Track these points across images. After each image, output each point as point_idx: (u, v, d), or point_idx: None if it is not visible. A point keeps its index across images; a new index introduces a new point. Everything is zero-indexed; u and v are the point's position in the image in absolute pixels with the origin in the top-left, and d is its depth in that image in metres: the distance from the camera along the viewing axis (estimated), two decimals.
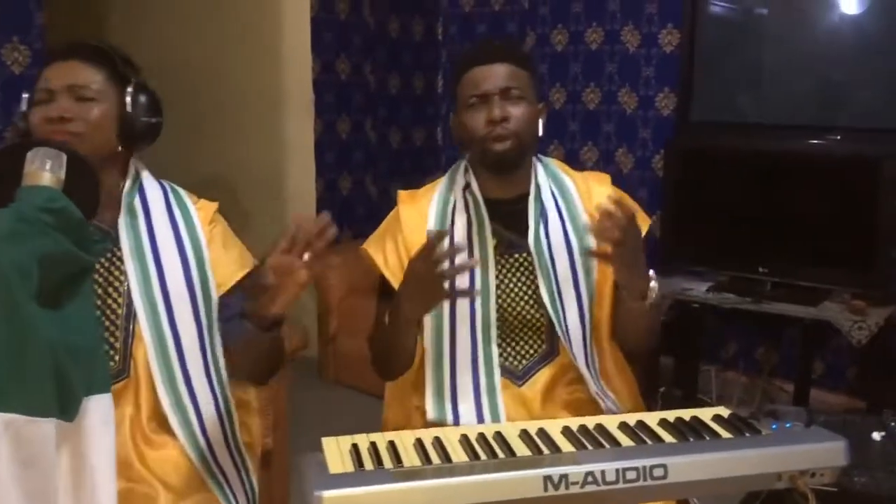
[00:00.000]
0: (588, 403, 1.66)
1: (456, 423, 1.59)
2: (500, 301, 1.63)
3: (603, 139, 3.98)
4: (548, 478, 1.14)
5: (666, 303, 3.27)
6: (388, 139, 4.25)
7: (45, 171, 1.21)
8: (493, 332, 1.62)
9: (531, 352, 1.66)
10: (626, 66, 3.84)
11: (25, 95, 1.43)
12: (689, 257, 3.26)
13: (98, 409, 1.27)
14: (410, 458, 1.21)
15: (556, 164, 1.74)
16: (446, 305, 1.61)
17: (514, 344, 1.66)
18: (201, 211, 1.58)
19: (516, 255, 1.65)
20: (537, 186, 1.66)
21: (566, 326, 1.63)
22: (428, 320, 1.61)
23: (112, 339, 1.44)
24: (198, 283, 1.49)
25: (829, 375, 3.43)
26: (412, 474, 1.15)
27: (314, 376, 3.92)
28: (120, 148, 1.47)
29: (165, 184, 1.58)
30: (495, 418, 1.59)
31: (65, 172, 1.23)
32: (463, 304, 1.61)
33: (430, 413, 1.61)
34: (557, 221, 1.65)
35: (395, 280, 1.62)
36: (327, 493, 1.09)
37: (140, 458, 1.43)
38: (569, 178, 1.72)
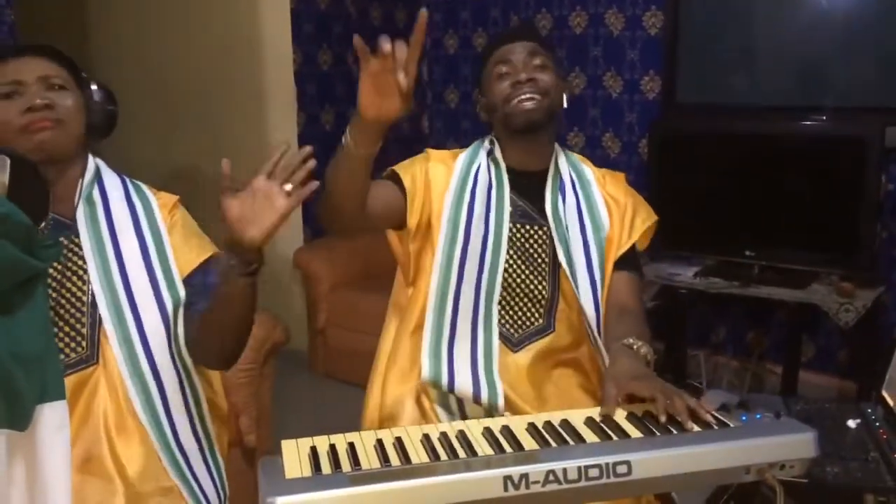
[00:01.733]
0: (583, 389, 1.70)
1: (451, 382, 1.61)
2: (506, 268, 1.67)
3: (589, 124, 3.94)
4: (508, 477, 1.12)
5: (653, 288, 3.25)
6: None
7: None
8: (496, 295, 1.65)
9: (528, 324, 1.70)
10: (610, 49, 3.80)
11: None
12: (675, 241, 3.23)
13: (52, 417, 1.25)
14: (369, 460, 1.19)
15: (576, 156, 1.80)
16: (455, 267, 1.64)
17: (512, 313, 1.70)
18: (161, 200, 1.58)
19: (528, 227, 1.69)
20: (556, 164, 1.72)
21: (580, 300, 1.65)
22: (434, 279, 1.65)
23: (78, 326, 1.44)
24: (158, 268, 1.49)
25: (819, 358, 3.41)
26: (369, 477, 1.13)
27: (304, 370, 3.90)
28: (83, 139, 1.48)
29: (125, 177, 1.59)
30: (489, 378, 1.61)
31: (9, 177, 1.20)
32: (471, 267, 1.64)
33: (426, 371, 1.63)
34: (573, 198, 1.70)
35: (412, 200, 1.65)
36: (281, 500, 1.07)
37: (110, 450, 1.42)
38: (588, 167, 1.78)
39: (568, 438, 1.26)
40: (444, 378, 1.62)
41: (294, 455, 1.20)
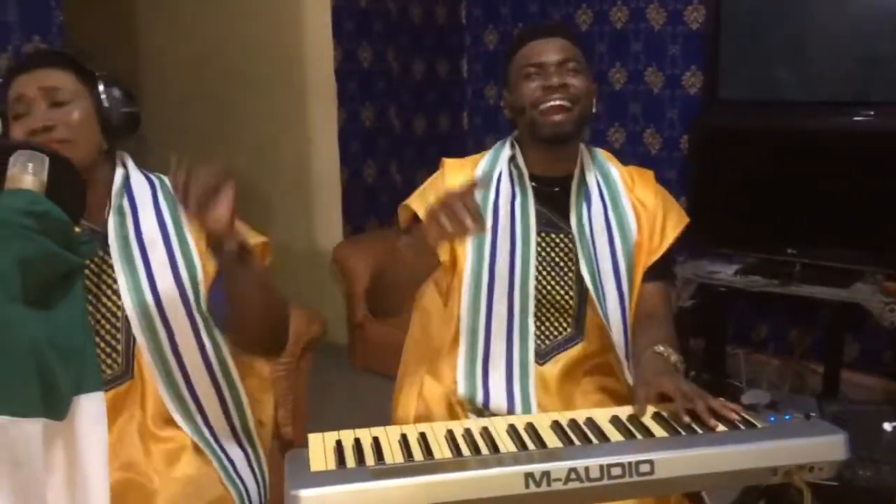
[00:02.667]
0: (609, 392, 1.66)
1: (486, 399, 1.58)
2: (535, 277, 1.63)
3: (630, 120, 3.90)
4: (529, 475, 1.13)
5: (692, 286, 3.21)
6: (413, 126, 4.23)
7: (26, 175, 1.22)
8: (531, 306, 1.61)
9: (556, 333, 1.66)
10: (652, 44, 3.76)
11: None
12: (715, 239, 3.19)
13: (89, 407, 1.28)
14: (393, 455, 1.21)
15: (602, 154, 1.72)
16: (484, 285, 1.61)
17: (539, 323, 1.65)
18: None
19: (553, 235, 1.64)
20: (582, 169, 1.65)
21: (606, 310, 1.61)
22: (465, 298, 1.61)
23: (114, 342, 1.45)
24: (187, 279, 1.48)
25: (864, 358, 3.33)
26: (392, 472, 1.15)
27: (343, 363, 3.95)
28: (105, 145, 1.46)
29: (153, 177, 1.57)
30: (524, 394, 1.58)
31: (47, 175, 1.24)
32: (501, 279, 1.60)
33: (461, 390, 1.61)
34: (600, 205, 1.64)
35: None
36: (304, 493, 1.09)
37: (146, 455, 1.45)
38: (614, 167, 1.70)
39: (591, 437, 1.26)
40: (479, 396, 1.59)
41: (320, 448, 1.22)
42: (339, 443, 1.24)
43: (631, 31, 3.81)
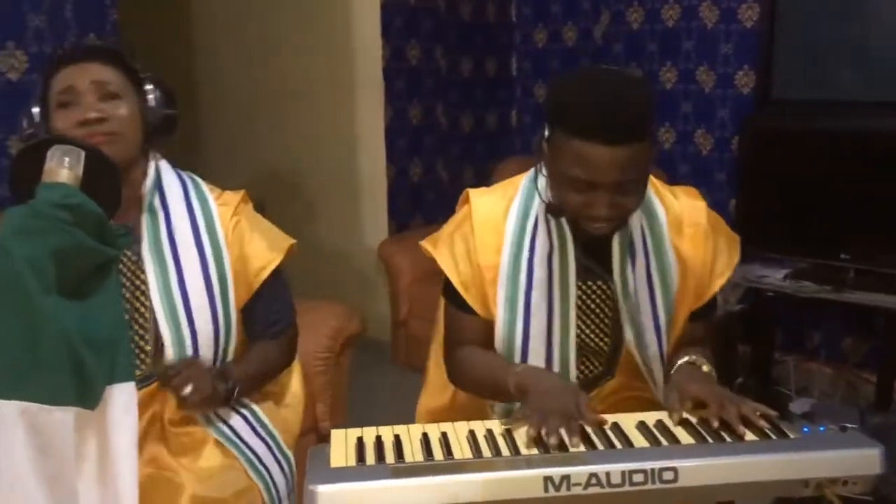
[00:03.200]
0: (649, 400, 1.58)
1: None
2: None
3: (681, 119, 3.83)
4: (548, 478, 1.12)
5: (739, 290, 3.14)
6: (460, 123, 4.22)
7: (62, 168, 1.25)
8: (572, 359, 1.50)
9: (587, 373, 1.58)
10: (704, 42, 3.68)
11: (35, 109, 1.43)
12: (765, 243, 3.10)
13: (120, 398, 1.31)
14: (413, 454, 1.21)
15: (650, 189, 1.50)
16: (519, 339, 1.49)
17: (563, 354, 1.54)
18: (223, 206, 1.56)
19: (590, 283, 1.51)
20: (626, 224, 1.47)
21: (648, 360, 1.53)
22: (499, 348, 1.51)
23: (142, 343, 1.48)
24: (215, 278, 1.50)
25: None
26: (411, 471, 1.15)
27: (386, 360, 3.96)
28: (143, 144, 1.48)
29: (186, 177, 1.57)
30: None
31: (83, 169, 1.27)
32: (538, 336, 1.48)
33: (498, 409, 1.54)
34: (643, 257, 1.50)
35: (464, 291, 1.50)
36: (322, 488, 1.10)
37: (169, 451, 1.49)
38: (661, 203, 1.53)
39: (616, 442, 1.23)
40: None
41: (341, 445, 1.23)
42: (360, 439, 1.24)
43: (683, 30, 3.74)
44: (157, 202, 1.50)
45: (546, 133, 1.39)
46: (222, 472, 1.46)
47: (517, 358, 1.49)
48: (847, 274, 2.97)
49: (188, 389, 1.39)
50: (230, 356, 1.54)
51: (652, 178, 1.48)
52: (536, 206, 1.50)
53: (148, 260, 1.46)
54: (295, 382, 1.77)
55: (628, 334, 1.51)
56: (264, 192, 4.33)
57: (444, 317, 1.61)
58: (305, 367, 2.50)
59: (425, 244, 1.57)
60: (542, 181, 1.46)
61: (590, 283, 1.52)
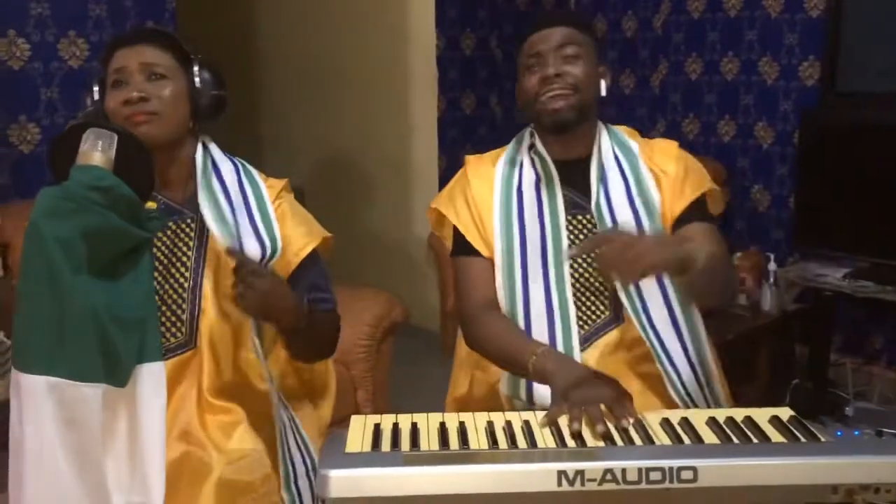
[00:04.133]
0: (652, 378, 1.56)
1: (529, 392, 1.53)
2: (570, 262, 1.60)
3: (741, 112, 3.72)
4: (562, 472, 1.10)
5: (796, 289, 3.04)
6: (514, 114, 4.19)
7: (96, 152, 1.28)
8: (569, 292, 1.58)
9: (594, 317, 1.61)
10: (767, 32, 3.56)
11: (95, 88, 1.50)
12: (825, 241, 3.00)
13: (149, 377, 1.35)
14: (429, 442, 1.20)
15: (623, 131, 1.70)
16: (518, 275, 1.58)
17: (578, 307, 1.60)
18: (270, 189, 1.61)
19: (580, 217, 1.62)
20: (599, 149, 1.63)
21: (641, 300, 1.55)
22: (500, 282, 1.59)
23: (179, 312, 1.50)
24: (268, 244, 1.52)
25: None
26: (423, 459, 1.14)
27: (436, 350, 3.97)
28: (191, 124, 1.52)
29: (236, 160, 1.62)
30: None
31: (115, 152, 1.30)
32: (534, 265, 1.58)
33: (504, 388, 1.58)
34: (620, 182, 1.62)
35: (468, 233, 1.63)
36: (333, 472, 1.10)
37: (202, 426, 1.50)
38: (634, 142, 1.68)
39: (636, 438, 1.21)
40: (522, 392, 1.55)
41: (359, 430, 1.23)
42: (377, 426, 1.24)
43: (745, 19, 3.63)
44: (214, 182, 1.54)
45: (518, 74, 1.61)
46: (249, 455, 1.48)
47: (519, 288, 1.57)
48: None
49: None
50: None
51: (627, 128, 1.71)
52: (522, 152, 1.67)
53: (214, 227, 1.47)
54: (331, 379, 1.78)
55: None
56: (316, 177, 4.39)
57: (456, 281, 1.69)
58: (347, 354, 2.53)
59: (431, 204, 1.73)
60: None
61: (579, 216, 1.62)
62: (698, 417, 1.27)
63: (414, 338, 3.50)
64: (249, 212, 1.55)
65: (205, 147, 1.57)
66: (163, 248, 1.51)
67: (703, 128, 3.81)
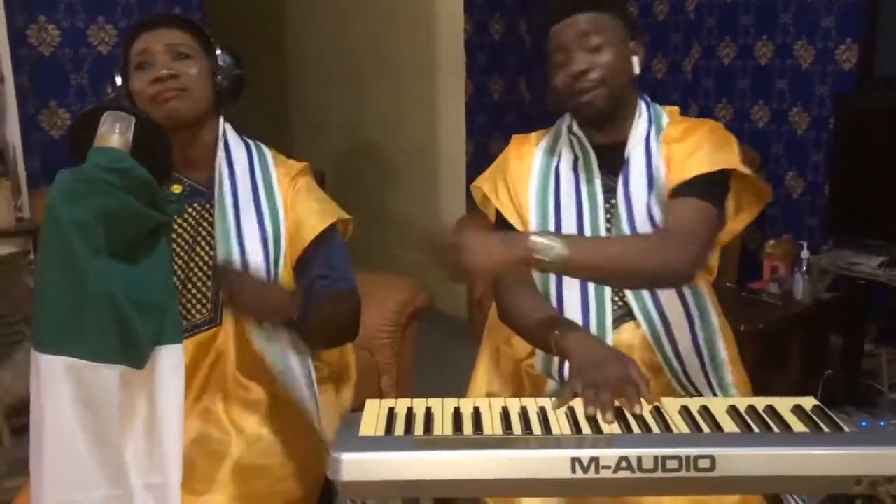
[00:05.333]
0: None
1: (561, 369, 1.52)
2: None
3: (776, 97, 3.64)
4: (576, 459, 1.08)
5: (829, 277, 2.98)
6: (544, 99, 4.15)
7: (113, 134, 1.29)
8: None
9: (616, 304, 1.58)
10: (803, 15, 3.48)
11: (118, 76, 1.52)
12: (860, 228, 2.93)
13: (168, 359, 1.35)
14: (443, 428, 1.19)
15: (666, 111, 1.64)
16: None
17: (599, 294, 1.57)
18: (284, 172, 1.61)
19: (613, 200, 1.59)
20: (634, 134, 1.59)
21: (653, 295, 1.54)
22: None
23: (204, 289, 1.52)
24: (271, 240, 1.53)
25: None
26: (436, 443, 1.13)
27: (463, 336, 3.97)
28: (213, 104, 1.54)
29: (251, 143, 1.62)
30: None
31: (132, 135, 1.30)
32: None
33: (539, 365, 1.57)
34: (641, 167, 1.57)
35: (505, 211, 1.63)
36: (346, 456, 1.10)
37: (225, 405, 1.51)
38: (668, 120, 1.61)
39: (654, 426, 1.19)
40: (555, 371, 1.54)
41: (374, 414, 1.23)
42: (392, 410, 1.23)
43: (780, 2, 3.54)
44: (224, 164, 1.55)
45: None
46: (265, 440, 1.49)
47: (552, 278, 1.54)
48: None
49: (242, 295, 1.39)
50: None
51: (669, 109, 1.65)
52: (562, 132, 1.64)
53: (218, 214, 1.50)
54: (352, 362, 1.78)
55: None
56: (343, 162, 4.39)
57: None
58: (371, 340, 2.53)
59: (476, 182, 1.74)
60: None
61: (613, 200, 1.58)
62: (718, 405, 1.24)
63: (439, 324, 3.50)
64: (256, 196, 1.56)
65: (224, 131, 1.57)
66: (186, 227, 1.53)
67: (737, 113, 3.74)
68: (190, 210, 1.53)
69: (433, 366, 3.09)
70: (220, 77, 1.54)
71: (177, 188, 1.53)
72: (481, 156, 3.98)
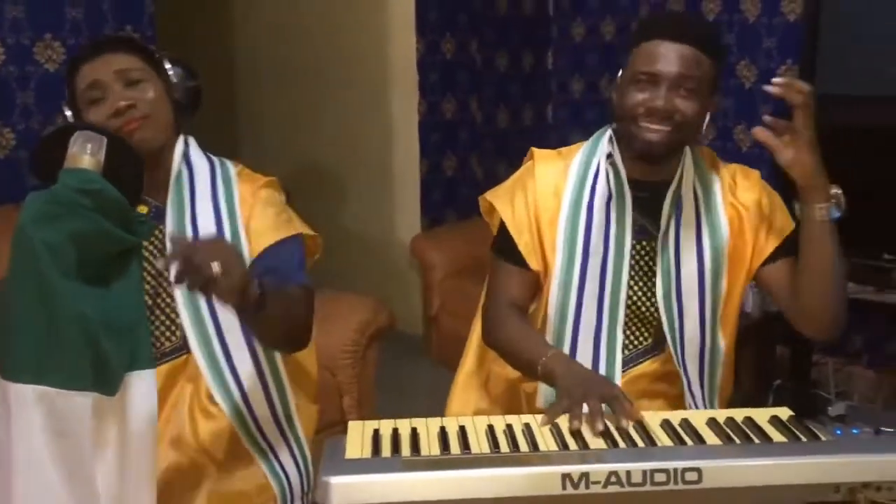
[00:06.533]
0: (673, 400, 1.57)
1: None
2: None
3: (720, 115, 3.75)
4: (567, 475, 1.09)
5: None
6: (495, 118, 4.19)
7: (85, 155, 1.26)
8: (621, 317, 1.53)
9: (635, 343, 1.57)
10: (745, 36, 3.60)
11: (68, 112, 1.44)
12: None
13: (140, 385, 1.32)
14: (430, 447, 1.18)
15: (705, 156, 1.59)
16: (573, 291, 1.52)
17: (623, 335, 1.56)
18: (246, 184, 1.54)
19: (644, 243, 1.54)
20: (680, 177, 1.51)
21: (681, 333, 1.53)
22: (552, 302, 1.53)
23: (173, 315, 1.47)
24: None
25: None
26: (425, 464, 1.13)
27: (418, 355, 3.95)
28: (175, 123, 1.48)
29: (215, 159, 1.56)
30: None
31: (105, 156, 1.27)
32: (592, 283, 1.52)
33: (542, 401, 1.53)
34: (693, 217, 1.53)
35: (517, 236, 1.54)
36: (335, 479, 1.08)
37: (193, 432, 1.47)
38: (716, 172, 1.57)
39: (639, 440, 1.20)
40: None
41: (358, 436, 1.21)
42: (376, 431, 1.22)
43: (723, 23, 3.65)
44: (184, 181, 1.49)
45: (619, 77, 1.50)
46: (246, 465, 1.45)
47: (572, 305, 1.52)
48: (890, 274, 2.88)
49: (216, 267, 1.13)
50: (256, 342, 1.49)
51: (709, 152, 1.61)
52: (598, 158, 1.55)
53: (168, 234, 1.45)
54: (313, 369, 1.73)
55: (658, 289, 1.52)
56: (297, 181, 4.34)
57: (490, 276, 1.61)
58: (332, 360, 2.51)
59: (486, 195, 1.61)
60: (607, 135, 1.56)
61: (643, 242, 1.54)
62: (698, 418, 1.27)
63: (395, 343, 3.48)
64: (218, 215, 1.49)
65: (185, 145, 1.51)
66: (155, 252, 1.48)
67: None
68: (157, 233, 1.48)
69: (390, 384, 3.07)
70: (176, 94, 1.47)
71: (143, 209, 1.48)
72: (435, 175, 3.99)
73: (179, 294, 1.44)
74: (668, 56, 1.42)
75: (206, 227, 1.48)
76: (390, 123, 4.02)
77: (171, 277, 1.13)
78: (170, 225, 1.46)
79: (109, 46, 1.45)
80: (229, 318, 1.44)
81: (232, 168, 1.57)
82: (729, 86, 3.70)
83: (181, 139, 1.51)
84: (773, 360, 3.31)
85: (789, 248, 1.55)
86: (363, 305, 2.61)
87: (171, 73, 1.47)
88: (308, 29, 4.20)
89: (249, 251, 1.47)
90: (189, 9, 4.26)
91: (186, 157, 1.50)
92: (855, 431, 1.22)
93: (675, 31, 1.44)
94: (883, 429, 1.22)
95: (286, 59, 4.33)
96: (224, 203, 1.50)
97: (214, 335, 1.45)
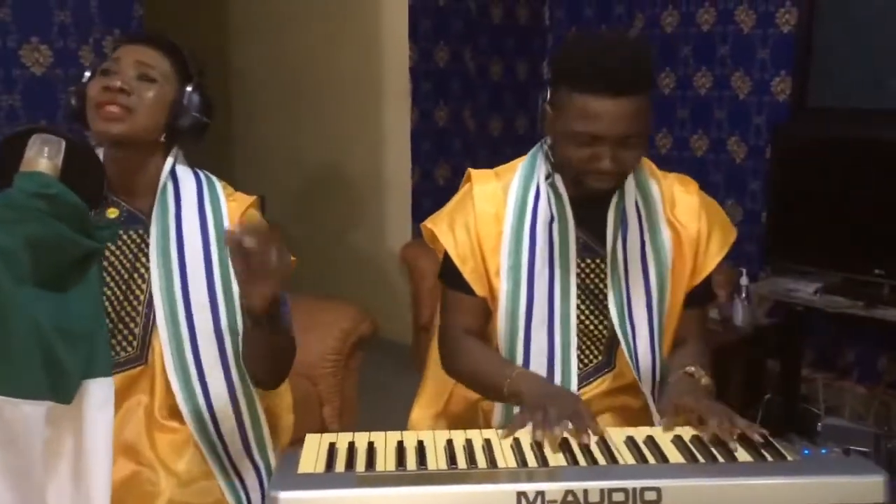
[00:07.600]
0: (638, 413, 1.55)
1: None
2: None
3: (714, 126, 3.73)
4: (522, 493, 1.06)
5: (767, 304, 3.03)
6: (489, 127, 4.17)
7: (42, 158, 1.23)
8: (573, 338, 1.50)
9: (586, 362, 1.55)
10: (739, 47, 3.58)
11: (87, 73, 1.44)
12: (796, 256, 3.00)
13: (97, 393, 1.29)
14: (385, 462, 1.16)
15: (647, 168, 1.55)
16: (521, 317, 1.49)
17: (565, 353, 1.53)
18: (234, 203, 1.53)
19: (589, 261, 1.52)
20: (622, 192, 1.49)
21: (634, 345, 1.51)
22: (502, 322, 1.50)
23: (132, 325, 1.45)
24: (220, 287, 1.46)
25: None
26: (378, 480, 1.10)
27: (408, 363, 3.92)
28: (163, 137, 1.45)
29: (202, 175, 1.54)
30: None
31: (62, 159, 1.25)
32: (540, 307, 1.48)
33: (497, 421, 1.52)
34: (637, 232, 1.51)
35: (463, 267, 1.51)
36: (283, 495, 1.06)
37: (150, 444, 1.44)
38: (656, 184, 1.55)
39: (600, 457, 1.17)
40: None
41: (313, 450, 1.19)
42: (332, 445, 1.19)
43: (718, 34, 3.64)
44: (169, 196, 1.47)
45: (548, 94, 1.43)
46: (204, 478, 1.43)
47: (521, 331, 1.49)
48: (881, 290, 2.86)
49: (273, 256, 1.21)
50: (231, 360, 1.47)
51: (647, 161, 1.55)
52: (537, 179, 1.51)
53: (154, 252, 1.43)
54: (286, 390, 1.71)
55: (612, 308, 1.49)
56: (288, 189, 4.34)
57: (440, 304, 1.59)
58: (313, 368, 2.47)
59: (426, 223, 1.58)
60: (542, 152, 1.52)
61: (588, 260, 1.52)
62: (664, 435, 1.24)
63: (384, 351, 3.45)
64: (205, 235, 1.48)
65: (174, 163, 1.49)
66: (122, 258, 1.45)
67: (676, 142, 3.82)
68: (125, 238, 1.45)
69: (378, 393, 3.04)
70: (179, 117, 1.43)
71: (112, 212, 1.45)
72: (427, 182, 3.97)
73: (160, 307, 1.42)
74: (609, 115, 1.32)
75: (191, 235, 1.46)
76: (382, 131, 4.00)
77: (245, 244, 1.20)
78: (154, 239, 1.43)
79: (151, 40, 1.45)
80: (207, 337, 1.43)
81: (218, 184, 1.55)
82: (722, 97, 3.68)
83: (171, 156, 1.48)
84: (763, 374, 3.29)
85: (703, 296, 1.59)
86: (345, 313, 2.58)
87: (187, 96, 1.44)
88: (301, 37, 4.19)
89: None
90: (181, 13, 4.25)
91: (173, 170, 1.48)
92: (823, 451, 1.19)
93: (609, 84, 1.31)
94: (852, 448, 1.19)
95: (279, 66, 4.32)
96: (211, 214, 1.49)
97: (190, 351, 1.43)
